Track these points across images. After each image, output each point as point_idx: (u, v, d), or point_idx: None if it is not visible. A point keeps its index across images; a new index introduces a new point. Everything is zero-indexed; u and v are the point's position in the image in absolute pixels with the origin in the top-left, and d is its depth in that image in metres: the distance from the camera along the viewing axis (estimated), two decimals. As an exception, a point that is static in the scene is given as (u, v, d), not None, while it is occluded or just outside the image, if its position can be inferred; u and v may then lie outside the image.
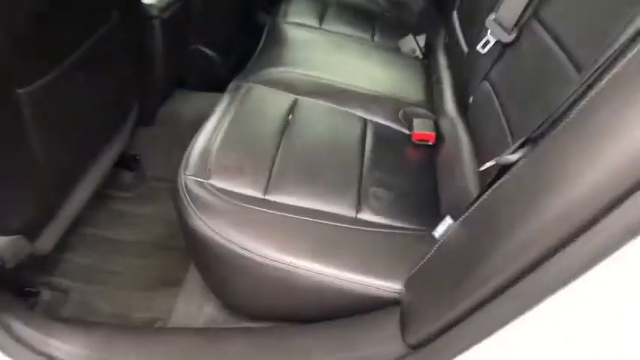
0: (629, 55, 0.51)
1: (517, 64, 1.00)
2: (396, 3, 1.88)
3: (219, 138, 1.00)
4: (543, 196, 0.54)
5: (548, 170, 0.55)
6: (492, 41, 1.04)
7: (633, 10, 0.70)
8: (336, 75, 1.31)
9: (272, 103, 1.16)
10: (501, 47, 1.04)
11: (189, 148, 0.98)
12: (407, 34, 1.59)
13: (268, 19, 1.68)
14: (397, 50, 1.55)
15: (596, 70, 0.70)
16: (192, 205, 0.86)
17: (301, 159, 1.00)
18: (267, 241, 0.84)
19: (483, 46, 1.06)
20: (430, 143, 1.14)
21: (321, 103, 1.19)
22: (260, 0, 2.07)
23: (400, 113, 1.21)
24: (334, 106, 1.19)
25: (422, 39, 1.56)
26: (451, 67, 1.35)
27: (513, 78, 0.99)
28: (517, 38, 1.00)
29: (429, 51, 1.54)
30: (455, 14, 1.42)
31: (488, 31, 1.05)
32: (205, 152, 0.96)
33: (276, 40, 1.46)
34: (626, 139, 0.49)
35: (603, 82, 0.54)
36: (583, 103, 0.55)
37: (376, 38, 1.60)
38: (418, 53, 1.52)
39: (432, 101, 1.30)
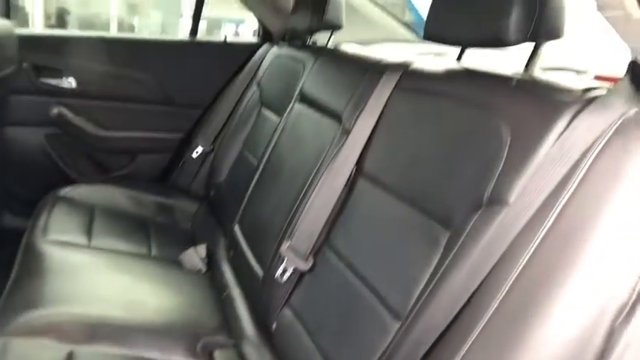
0: None
1: (318, 293, 1.01)
2: (167, 207, 1.83)
3: None
4: None
5: None
6: (290, 269, 1.05)
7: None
8: (115, 308, 1.14)
9: (39, 363, 0.92)
10: (300, 274, 1.05)
11: None
12: (185, 244, 1.52)
13: (26, 232, 1.42)
14: (178, 264, 1.45)
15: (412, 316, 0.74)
16: None
17: None
18: None
19: (281, 274, 1.06)
20: (236, 378, 1.04)
21: (104, 352, 1.00)
22: (6, 200, 1.81)
23: (199, 346, 1.09)
24: (120, 352, 1.01)
25: (202, 249, 1.51)
26: (243, 286, 1.31)
27: (318, 307, 1.00)
28: (314, 266, 1.03)
29: (211, 262, 1.49)
30: (237, 228, 1.42)
31: (285, 260, 1.06)
32: None
33: (36, 268, 1.22)
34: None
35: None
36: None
37: (154, 252, 1.49)
38: (201, 267, 1.45)
39: (228, 325, 1.22)
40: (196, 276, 1.42)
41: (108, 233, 1.49)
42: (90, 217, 1.56)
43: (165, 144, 2.06)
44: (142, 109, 2.02)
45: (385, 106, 1.03)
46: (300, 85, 1.47)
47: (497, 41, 0.81)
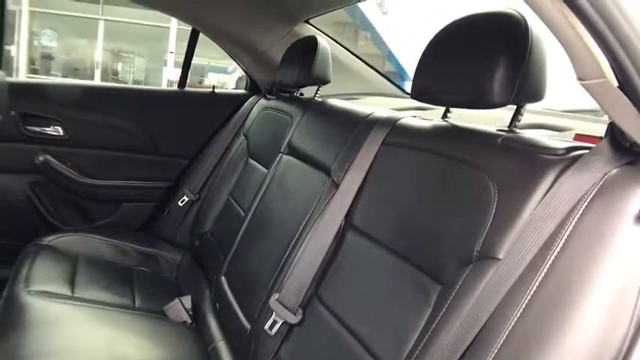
0: None
1: (308, 347, 1.00)
2: (151, 256, 1.82)
3: None
4: None
5: None
6: (279, 322, 1.04)
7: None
8: (99, 363, 1.11)
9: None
10: (289, 326, 1.04)
11: None
12: (170, 295, 1.50)
13: (8, 281, 1.39)
14: (163, 316, 1.43)
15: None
16: None
17: None
18: None
19: (271, 327, 1.05)
20: None
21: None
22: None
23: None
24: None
25: (187, 300, 1.49)
26: (230, 339, 1.29)
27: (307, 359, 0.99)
28: (303, 319, 1.03)
29: (196, 314, 1.47)
30: (224, 279, 1.42)
31: (274, 313, 1.05)
32: None
33: (17, 319, 1.19)
34: None
35: None
36: None
37: (138, 303, 1.47)
38: (186, 318, 1.43)
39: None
40: (182, 328, 1.40)
41: (92, 284, 1.47)
42: (73, 266, 1.54)
43: (151, 193, 2.06)
44: (128, 157, 2.03)
45: (374, 160, 1.06)
46: (289, 137, 1.50)
47: (481, 103, 0.85)
